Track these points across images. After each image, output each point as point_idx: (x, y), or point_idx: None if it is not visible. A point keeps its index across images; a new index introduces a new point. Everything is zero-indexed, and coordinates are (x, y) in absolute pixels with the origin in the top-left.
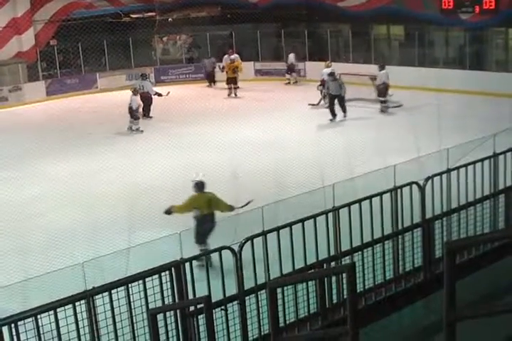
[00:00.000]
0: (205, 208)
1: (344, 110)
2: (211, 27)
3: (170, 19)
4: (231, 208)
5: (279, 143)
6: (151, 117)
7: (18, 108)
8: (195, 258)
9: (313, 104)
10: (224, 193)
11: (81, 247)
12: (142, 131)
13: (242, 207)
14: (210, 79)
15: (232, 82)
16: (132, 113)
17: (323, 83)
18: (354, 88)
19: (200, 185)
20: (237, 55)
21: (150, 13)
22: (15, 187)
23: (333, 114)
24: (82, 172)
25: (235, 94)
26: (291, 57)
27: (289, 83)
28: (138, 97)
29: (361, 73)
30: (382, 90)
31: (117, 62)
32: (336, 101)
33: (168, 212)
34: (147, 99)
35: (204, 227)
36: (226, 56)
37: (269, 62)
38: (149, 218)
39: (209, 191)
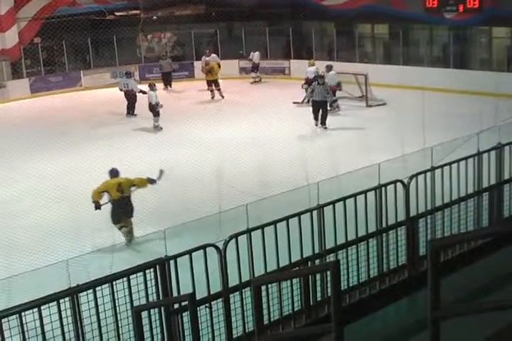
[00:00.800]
0: (114, 191)
1: (324, 119)
2: (196, 25)
3: (154, 17)
4: (149, 180)
5: (263, 142)
6: (135, 115)
7: (2, 105)
8: (179, 255)
9: (297, 103)
10: (209, 190)
11: (65, 245)
12: (161, 128)
13: (159, 178)
14: (167, 81)
15: (211, 84)
16: (153, 109)
17: (307, 81)
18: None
19: (113, 172)
20: (214, 55)
21: (134, 11)
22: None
23: (317, 119)
24: (66, 170)
25: (222, 96)
26: (256, 55)
27: (254, 82)
28: (156, 92)
29: (345, 71)
30: (334, 91)
31: (102, 59)
32: (320, 108)
33: (95, 205)
34: (131, 97)
35: (119, 210)
36: (203, 57)
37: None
38: (135, 215)
39: (122, 177)
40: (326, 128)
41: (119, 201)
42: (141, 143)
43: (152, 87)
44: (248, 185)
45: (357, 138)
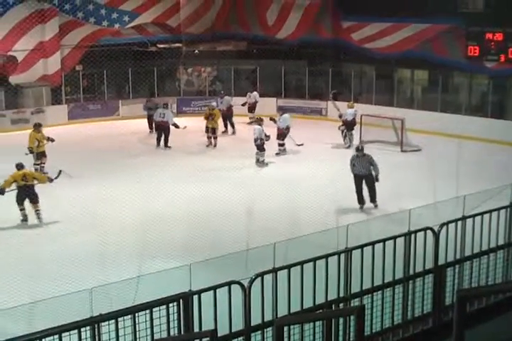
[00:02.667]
0: (20, 180)
1: (374, 196)
2: (237, 61)
3: (196, 51)
4: (48, 179)
5: (295, 181)
6: (169, 147)
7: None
8: (204, 291)
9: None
10: (237, 227)
11: (90, 273)
12: (267, 163)
13: (56, 177)
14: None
15: (210, 131)
16: (259, 144)
17: (345, 123)
18: (375, 130)
19: (19, 165)
20: (228, 98)
21: (177, 44)
22: (31, 208)
23: (361, 201)
24: (97, 198)
25: (215, 145)
26: (253, 95)
27: (251, 122)
28: (262, 127)
29: (383, 115)
30: (283, 134)
31: (141, 90)
32: (365, 183)
33: (1, 191)
34: (166, 128)
35: (23, 195)
36: (218, 99)
37: (292, 99)
38: (161, 248)
39: (27, 169)
40: (376, 206)
41: (23, 188)
42: (172, 175)
43: (259, 122)
44: (277, 223)
45: (389, 183)
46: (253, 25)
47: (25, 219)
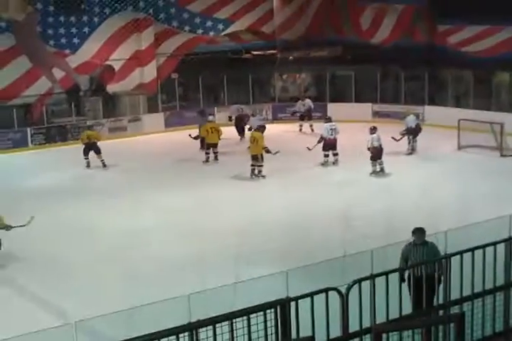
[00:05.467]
0: (85, 138)
1: (432, 302)
2: (332, 67)
3: (291, 57)
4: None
5: (390, 188)
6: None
7: (137, 138)
8: (301, 297)
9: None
10: (333, 233)
11: (188, 279)
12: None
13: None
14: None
15: (210, 146)
16: (375, 153)
17: (409, 131)
18: (473, 134)
19: (89, 127)
20: (308, 101)
21: (271, 51)
22: (127, 215)
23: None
24: (195, 205)
25: (216, 159)
26: (308, 102)
27: (301, 130)
28: (376, 135)
29: (481, 120)
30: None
31: (236, 97)
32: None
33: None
34: (242, 121)
35: (87, 149)
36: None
37: (387, 105)
38: (259, 254)
39: (95, 131)
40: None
41: (88, 143)
42: (268, 183)
43: (374, 131)
44: (374, 229)
45: (488, 188)
46: (347, 30)
47: (88, 165)
